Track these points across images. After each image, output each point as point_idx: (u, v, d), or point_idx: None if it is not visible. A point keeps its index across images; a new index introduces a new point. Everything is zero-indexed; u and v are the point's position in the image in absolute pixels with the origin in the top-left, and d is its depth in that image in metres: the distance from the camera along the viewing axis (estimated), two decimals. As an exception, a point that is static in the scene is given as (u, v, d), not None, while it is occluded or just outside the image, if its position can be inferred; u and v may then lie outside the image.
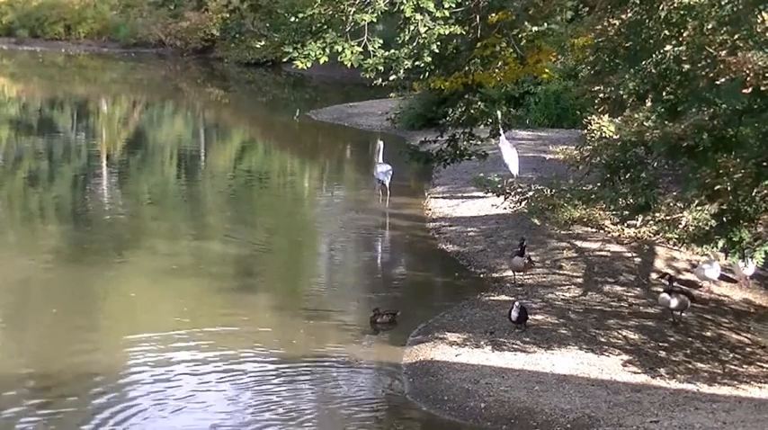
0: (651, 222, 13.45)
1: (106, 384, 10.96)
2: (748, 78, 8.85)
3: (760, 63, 8.77)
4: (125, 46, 51.90)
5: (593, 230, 15.41)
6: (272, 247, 17.23)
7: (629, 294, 13.63)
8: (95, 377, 11.10)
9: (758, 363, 11.46)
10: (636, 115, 11.15)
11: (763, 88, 8.88)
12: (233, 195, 22.02)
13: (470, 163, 16.85)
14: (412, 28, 12.13)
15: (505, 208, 15.28)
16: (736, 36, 9.28)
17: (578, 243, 15.53)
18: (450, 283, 14.87)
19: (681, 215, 11.44)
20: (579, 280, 14.27)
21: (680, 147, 9.73)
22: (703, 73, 9.37)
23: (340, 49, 12.05)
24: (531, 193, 13.68)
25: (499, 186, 14.34)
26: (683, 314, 12.49)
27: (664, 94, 9.99)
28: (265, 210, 20.66)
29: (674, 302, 12.25)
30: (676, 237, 11.46)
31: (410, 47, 12.34)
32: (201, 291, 14.17)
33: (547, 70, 15.64)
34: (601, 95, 11.94)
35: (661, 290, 12.65)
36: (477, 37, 13.45)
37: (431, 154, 16.39)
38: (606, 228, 15.35)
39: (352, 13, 12.02)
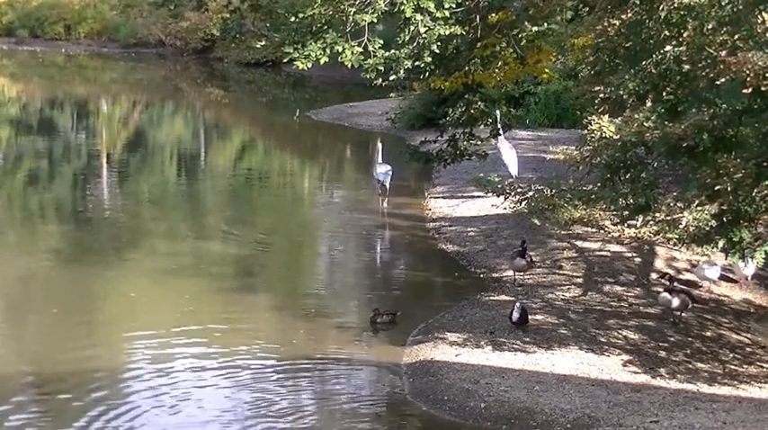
0: (651, 222, 13.46)
1: (106, 383, 10.98)
2: (748, 78, 8.85)
3: (760, 63, 8.77)
4: (125, 46, 51.91)
5: (594, 230, 15.42)
6: (271, 247, 17.23)
7: (629, 294, 13.63)
8: (95, 376, 11.11)
9: (758, 363, 11.46)
10: (636, 115, 11.16)
11: (763, 88, 8.88)
12: (233, 195, 22.03)
13: (470, 163, 16.84)
14: (412, 28, 12.12)
15: (505, 208, 15.29)
16: (736, 36, 9.29)
17: (578, 243, 15.54)
18: (450, 283, 14.87)
19: (681, 215, 11.46)
20: (579, 280, 14.27)
21: (680, 148, 9.73)
22: (703, 73, 9.37)
23: (340, 50, 12.04)
24: (531, 193, 13.68)
25: (499, 186, 14.34)
26: (683, 314, 12.50)
27: (664, 94, 9.99)
28: (265, 209, 20.66)
29: (675, 302, 12.25)
30: (676, 237, 11.47)
31: (410, 47, 12.34)
32: (201, 291, 14.17)
33: (547, 70, 15.61)
34: (601, 95, 11.96)
35: (661, 290, 12.65)
36: (477, 37, 13.44)
37: (431, 154, 16.39)
38: (606, 229, 15.36)
39: (352, 13, 12.01)
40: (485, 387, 10.74)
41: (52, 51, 51.84)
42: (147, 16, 50.60)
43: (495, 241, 16.21)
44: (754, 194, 9.40)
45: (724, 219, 9.78)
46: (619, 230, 15.27)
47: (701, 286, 13.74)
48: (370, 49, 12.18)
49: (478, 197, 17.97)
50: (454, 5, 12.26)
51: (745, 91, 8.95)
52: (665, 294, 12.36)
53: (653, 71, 9.72)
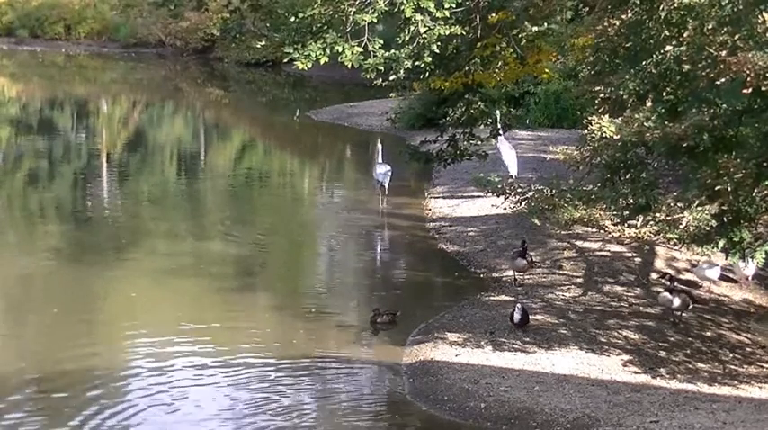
0: (651, 222, 13.45)
1: (106, 382, 10.98)
2: (748, 78, 8.85)
3: (760, 63, 8.76)
4: (125, 46, 51.93)
5: (594, 230, 15.41)
6: (271, 247, 17.23)
7: (629, 294, 13.63)
8: (95, 375, 11.12)
9: (758, 363, 11.46)
10: (636, 115, 11.16)
11: (763, 88, 8.88)
12: (233, 195, 22.03)
13: (470, 163, 16.84)
14: (412, 28, 12.12)
15: (505, 208, 15.29)
16: (736, 36, 9.28)
17: (578, 243, 15.54)
18: (451, 283, 14.87)
19: (681, 215, 11.45)
20: (579, 280, 14.27)
21: (680, 148, 9.73)
22: (703, 73, 9.37)
23: (340, 50, 12.04)
24: (531, 193, 13.68)
25: (499, 186, 14.34)
26: (683, 314, 12.50)
27: (664, 94, 9.98)
28: (265, 209, 20.66)
29: (675, 302, 12.25)
30: (677, 237, 11.46)
31: (410, 47, 12.33)
32: (201, 291, 14.18)
33: (547, 70, 15.59)
34: (601, 96, 11.97)
35: (661, 290, 12.65)
36: (477, 37, 13.44)
37: (431, 154, 16.38)
38: (606, 229, 15.35)
39: (352, 13, 12.01)
40: (485, 387, 10.74)
41: (52, 51, 51.86)
42: (147, 16, 50.60)
43: (495, 241, 16.21)
44: (754, 194, 9.40)
45: (724, 219, 9.79)
46: (619, 230, 15.26)
47: (701, 286, 13.74)
48: (370, 49, 12.17)
49: (478, 197, 17.96)
50: (454, 5, 12.25)
51: (745, 91, 8.95)
52: (666, 294, 12.36)
53: (653, 71, 9.72)
